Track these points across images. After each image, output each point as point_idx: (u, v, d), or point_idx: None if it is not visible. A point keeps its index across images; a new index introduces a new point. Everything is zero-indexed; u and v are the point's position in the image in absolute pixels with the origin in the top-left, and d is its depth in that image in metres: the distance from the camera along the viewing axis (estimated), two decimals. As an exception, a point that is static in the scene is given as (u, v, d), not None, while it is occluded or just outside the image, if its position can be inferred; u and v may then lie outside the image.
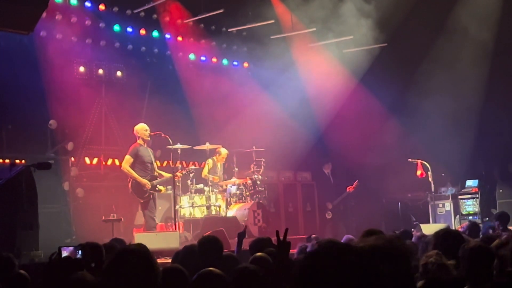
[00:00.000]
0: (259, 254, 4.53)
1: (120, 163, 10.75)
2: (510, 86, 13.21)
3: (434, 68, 13.16)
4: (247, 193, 11.65)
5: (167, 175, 10.60)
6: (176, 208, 10.78)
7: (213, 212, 11.16)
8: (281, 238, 3.50)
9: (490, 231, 7.49)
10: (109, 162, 12.46)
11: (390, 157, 12.88)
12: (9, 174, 8.22)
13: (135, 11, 12.59)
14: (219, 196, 11.43)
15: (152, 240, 8.67)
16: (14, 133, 10.97)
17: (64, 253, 3.56)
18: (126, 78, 12.99)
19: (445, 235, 4.51)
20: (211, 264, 3.83)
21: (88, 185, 11.85)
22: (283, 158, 13.32)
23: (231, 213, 11.37)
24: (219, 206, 11.25)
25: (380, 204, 14.21)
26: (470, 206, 12.64)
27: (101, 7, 12.19)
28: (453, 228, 10.11)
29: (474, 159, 13.72)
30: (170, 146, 10.56)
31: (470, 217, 12.10)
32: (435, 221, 12.34)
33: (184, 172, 10.94)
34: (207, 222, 10.64)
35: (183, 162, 11.54)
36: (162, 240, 9.13)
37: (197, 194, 11.28)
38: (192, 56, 13.97)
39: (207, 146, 11.80)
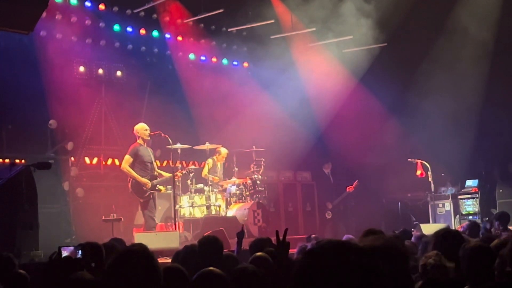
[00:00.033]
0: (259, 253, 4.53)
1: (120, 163, 10.75)
2: (510, 86, 13.20)
3: (434, 68, 13.16)
4: (247, 193, 11.66)
5: (167, 174, 10.60)
6: (176, 208, 10.78)
7: (213, 212, 11.16)
8: (281, 238, 3.50)
9: (484, 231, 7.46)
10: (109, 162, 12.46)
11: (390, 157, 12.88)
12: (9, 174, 8.21)
13: (135, 11, 12.59)
14: (219, 196, 11.43)
15: (152, 240, 8.67)
16: (14, 133, 10.97)
17: (64, 253, 3.55)
18: (126, 78, 12.99)
19: (445, 235, 4.50)
20: (211, 264, 3.83)
21: (88, 185, 11.85)
22: (283, 158, 13.32)
23: (231, 213, 11.37)
24: (219, 206, 11.25)
25: (380, 204, 14.21)
26: (470, 206, 12.64)
27: (101, 6, 12.20)
28: (453, 228, 10.10)
29: (474, 159, 13.71)
30: (170, 146, 10.56)
31: (470, 217, 12.10)
32: (435, 221, 12.34)
33: (184, 172, 10.94)
34: (207, 222, 10.65)
35: (183, 162, 11.53)
36: (162, 240, 9.13)
37: (197, 194, 11.28)
38: (192, 56, 13.97)
39: (207, 146, 11.81)
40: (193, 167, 11.49)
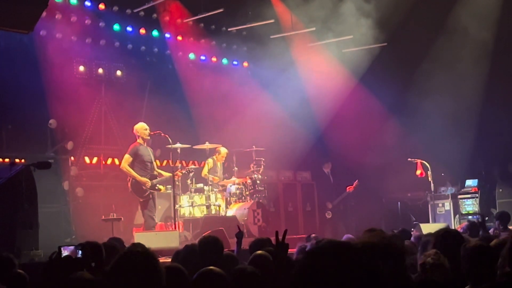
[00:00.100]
0: (259, 252, 4.53)
1: (120, 162, 10.75)
2: (510, 86, 13.20)
3: (434, 68, 13.16)
4: (247, 193, 11.66)
5: (166, 174, 10.60)
6: (175, 208, 10.77)
7: (213, 212, 11.16)
8: (280, 239, 3.50)
9: (480, 232, 7.45)
10: (109, 161, 12.45)
11: (390, 157, 12.88)
12: (9, 174, 8.21)
13: (135, 10, 12.60)
14: (219, 195, 11.42)
15: (151, 240, 8.67)
16: (14, 132, 10.97)
17: (65, 253, 3.55)
18: (126, 78, 12.99)
19: (445, 234, 4.50)
20: (211, 264, 3.83)
21: (88, 184, 11.85)
22: (283, 157, 13.32)
23: (230, 212, 11.37)
24: (219, 206, 11.25)
25: (380, 203, 14.22)
26: (470, 205, 12.64)
27: (101, 6, 12.20)
28: (453, 227, 10.11)
29: (474, 159, 13.72)
30: (169, 146, 10.56)
31: (470, 217, 12.10)
32: (434, 221, 12.34)
33: (183, 172, 10.94)
34: (207, 221, 10.64)
35: (183, 162, 11.54)
36: (161, 240, 9.14)
37: (197, 193, 11.28)
38: (192, 56, 13.97)
39: (207, 145, 11.81)
40: (193, 166, 11.49)
